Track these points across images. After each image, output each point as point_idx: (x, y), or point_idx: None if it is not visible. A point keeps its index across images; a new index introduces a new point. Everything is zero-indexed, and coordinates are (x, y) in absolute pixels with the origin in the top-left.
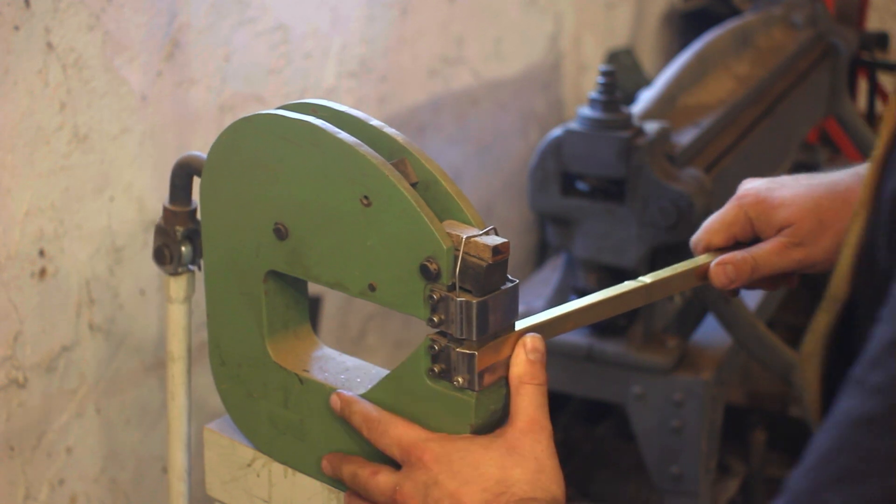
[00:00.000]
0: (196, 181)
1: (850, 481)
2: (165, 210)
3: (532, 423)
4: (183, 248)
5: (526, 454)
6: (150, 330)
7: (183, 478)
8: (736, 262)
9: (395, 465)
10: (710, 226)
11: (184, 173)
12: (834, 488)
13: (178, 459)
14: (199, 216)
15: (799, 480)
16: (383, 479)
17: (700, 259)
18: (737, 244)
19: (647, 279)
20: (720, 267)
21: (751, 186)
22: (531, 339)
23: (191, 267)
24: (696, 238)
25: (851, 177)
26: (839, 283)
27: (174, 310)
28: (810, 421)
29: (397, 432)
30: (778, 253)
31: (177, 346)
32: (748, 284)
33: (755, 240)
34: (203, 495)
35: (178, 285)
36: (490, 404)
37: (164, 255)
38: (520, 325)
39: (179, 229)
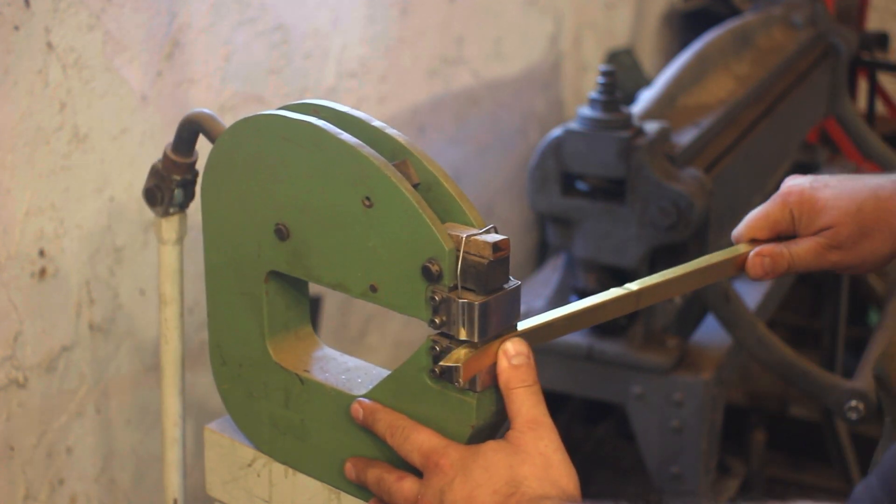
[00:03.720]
0: (202, 141)
1: None
2: (166, 157)
3: (530, 422)
4: (175, 191)
5: (531, 451)
6: (150, 330)
7: (177, 422)
8: (774, 255)
9: (416, 473)
10: (754, 221)
11: (191, 127)
12: None
13: (173, 405)
14: (202, 226)
15: (893, 457)
16: (408, 485)
17: (740, 248)
18: (777, 238)
19: (633, 286)
20: (758, 258)
21: (795, 183)
22: (512, 345)
23: (182, 208)
24: (739, 232)
25: (894, 183)
26: None
27: (166, 251)
28: None
29: (420, 439)
30: (815, 253)
31: (169, 288)
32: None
33: (795, 235)
34: (203, 495)
35: (169, 226)
36: (490, 405)
37: (156, 196)
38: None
39: (176, 177)
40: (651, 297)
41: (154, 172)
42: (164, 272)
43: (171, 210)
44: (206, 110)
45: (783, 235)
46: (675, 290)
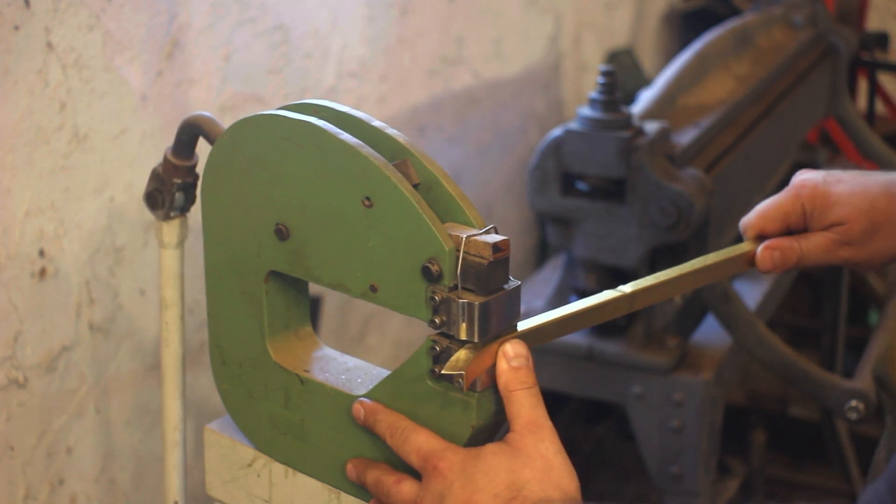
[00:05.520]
0: (202, 142)
1: None
2: (166, 160)
3: (530, 424)
4: (176, 195)
5: (532, 454)
6: (150, 330)
7: (178, 426)
8: (784, 249)
9: (416, 475)
10: (766, 212)
11: (191, 130)
12: None
13: (174, 408)
14: (202, 226)
15: None
16: (406, 488)
17: (746, 245)
18: (787, 232)
19: (626, 288)
20: (768, 251)
21: (808, 178)
22: (511, 346)
23: (183, 212)
24: (749, 222)
25: None
26: None
27: (167, 255)
28: None
29: (418, 441)
30: (826, 249)
31: (170, 292)
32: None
33: (805, 229)
34: (203, 495)
35: (170, 230)
36: (490, 405)
37: (157, 200)
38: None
39: (177, 181)
40: (646, 299)
41: (154, 176)
42: (165, 276)
43: (172, 214)
44: (206, 113)
45: (792, 229)
46: (672, 291)
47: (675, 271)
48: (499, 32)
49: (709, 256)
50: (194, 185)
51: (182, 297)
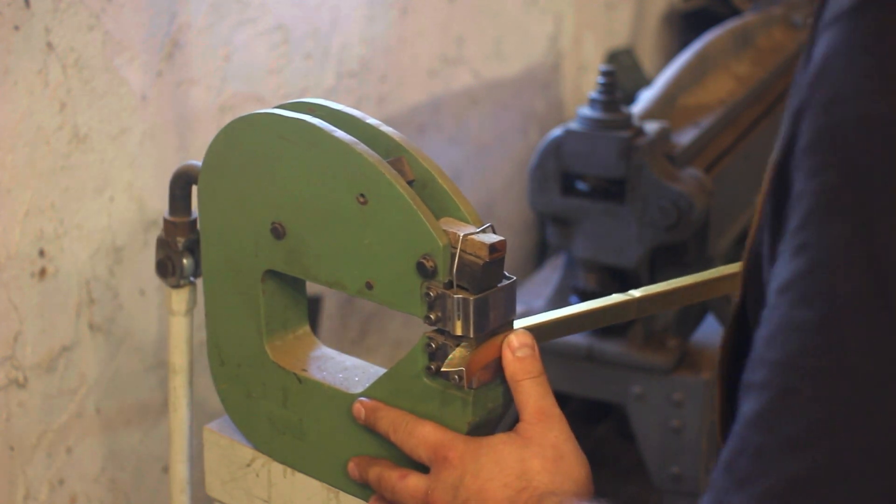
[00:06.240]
0: (195, 191)
1: (747, 482)
2: (166, 222)
3: (539, 413)
4: (185, 261)
5: (542, 443)
6: (150, 330)
7: (185, 489)
8: None
9: (420, 469)
10: None
11: (183, 183)
12: (733, 492)
13: (181, 471)
14: (199, 226)
15: (704, 496)
16: (413, 482)
17: None
18: None
19: (636, 293)
20: None
21: None
22: (516, 337)
23: (192, 279)
24: None
25: None
26: (737, 294)
27: (176, 322)
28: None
29: (424, 432)
30: None
31: (179, 358)
32: None
33: None
34: (203, 495)
35: (179, 298)
36: (487, 402)
37: (167, 268)
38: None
39: (181, 240)
40: (655, 306)
41: (160, 244)
42: (174, 342)
43: (182, 282)
44: (193, 161)
45: None
46: (681, 300)
47: (687, 280)
48: (499, 32)
49: (714, 271)
50: (199, 244)
51: (191, 363)
